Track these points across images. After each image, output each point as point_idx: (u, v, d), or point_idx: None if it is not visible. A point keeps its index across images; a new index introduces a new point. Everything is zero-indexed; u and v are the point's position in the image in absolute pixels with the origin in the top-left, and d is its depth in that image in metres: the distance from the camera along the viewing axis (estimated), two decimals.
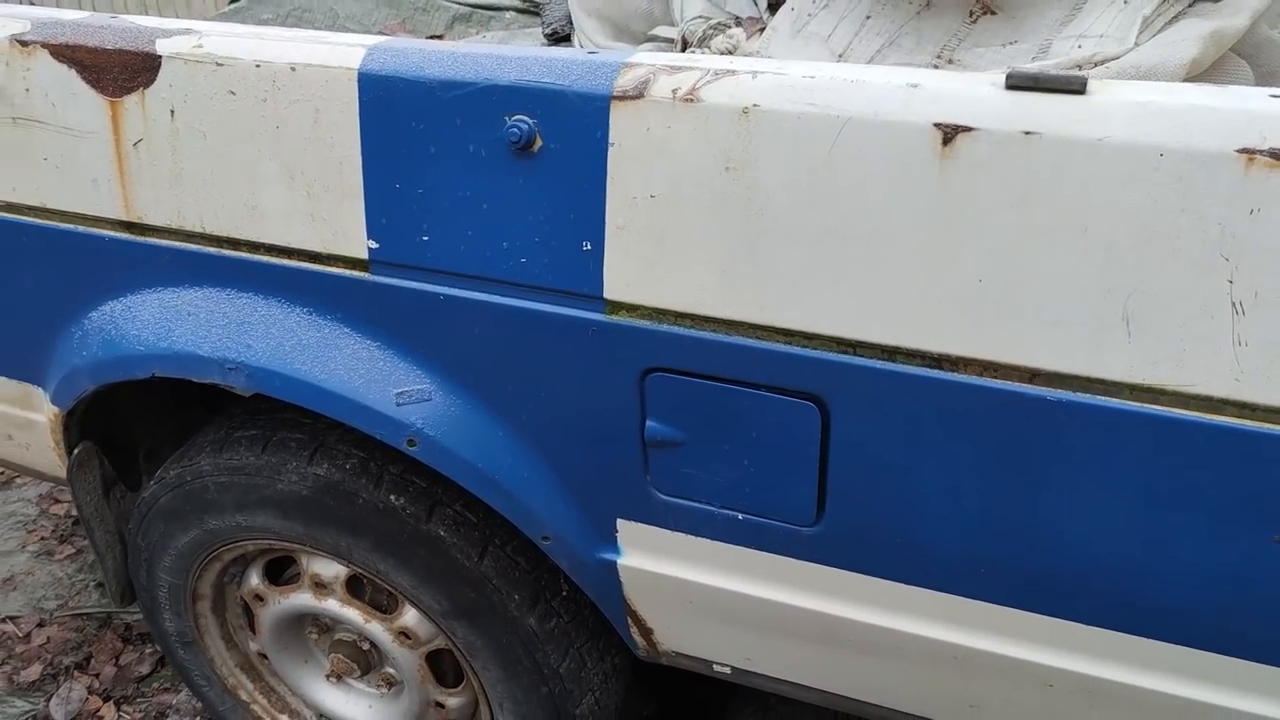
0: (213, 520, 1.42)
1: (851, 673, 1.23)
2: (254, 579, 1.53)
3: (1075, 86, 0.86)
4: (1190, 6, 1.28)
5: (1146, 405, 0.89)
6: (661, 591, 1.23)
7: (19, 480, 2.43)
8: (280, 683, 1.67)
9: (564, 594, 1.36)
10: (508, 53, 1.03)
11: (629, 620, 1.30)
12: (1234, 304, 0.84)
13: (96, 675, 1.96)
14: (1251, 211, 0.82)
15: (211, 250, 1.19)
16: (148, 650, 2.01)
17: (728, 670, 1.33)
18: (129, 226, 1.22)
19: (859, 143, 0.90)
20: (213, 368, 1.22)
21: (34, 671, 1.96)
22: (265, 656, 1.63)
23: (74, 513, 2.33)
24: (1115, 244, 0.86)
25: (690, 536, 1.16)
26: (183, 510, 1.43)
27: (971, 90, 0.88)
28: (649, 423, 1.09)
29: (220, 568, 1.52)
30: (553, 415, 1.13)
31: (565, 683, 1.38)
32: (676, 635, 1.30)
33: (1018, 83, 0.87)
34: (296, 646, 1.61)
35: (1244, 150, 0.81)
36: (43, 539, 2.26)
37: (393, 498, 1.30)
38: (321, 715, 1.66)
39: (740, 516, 1.12)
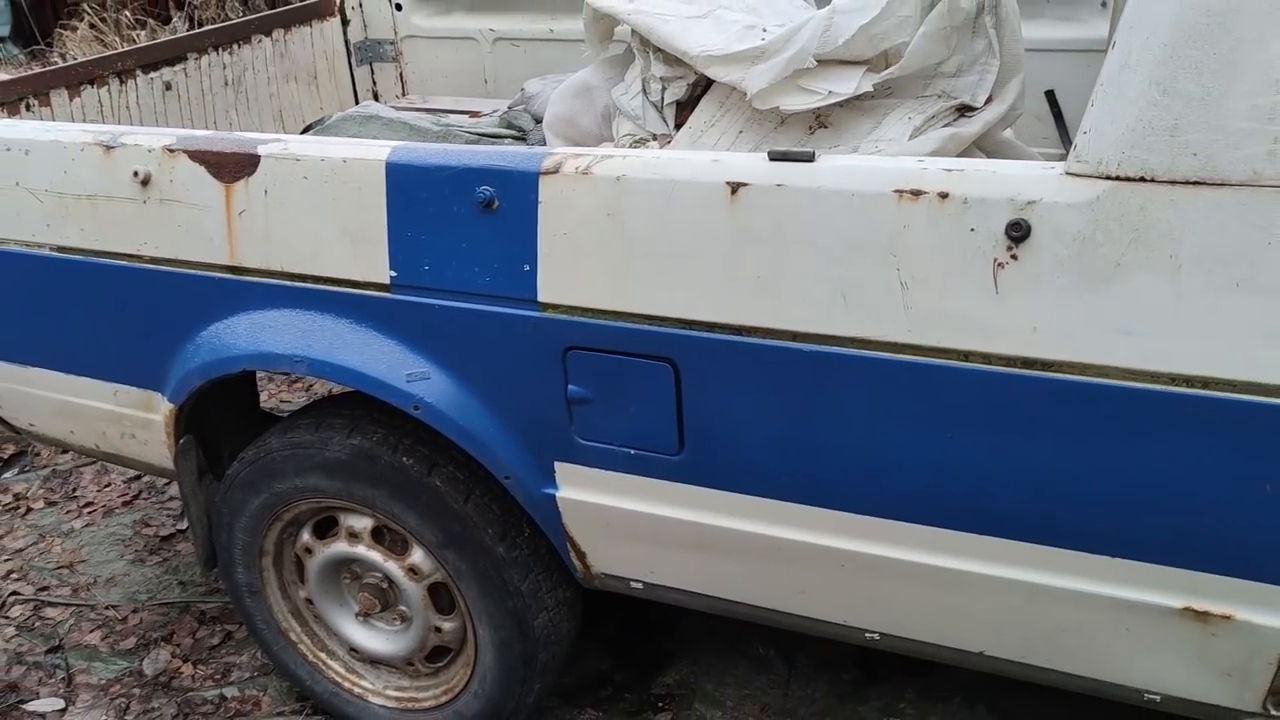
0: (278, 484, 1.98)
1: (718, 574, 1.75)
2: (305, 535, 2.08)
3: (807, 157, 1.44)
4: (954, 120, 1.88)
5: (859, 350, 1.44)
6: (588, 516, 1.77)
7: (118, 509, 3.01)
8: (321, 625, 2.20)
9: (525, 534, 1.89)
10: (478, 148, 1.63)
11: (568, 546, 1.83)
12: (901, 283, 1.40)
13: (178, 645, 2.49)
14: (904, 227, 1.38)
15: (286, 283, 1.79)
16: (217, 629, 2.54)
17: (640, 586, 1.85)
18: (232, 269, 1.82)
19: (684, 195, 1.48)
20: (285, 361, 1.80)
21: (130, 642, 2.51)
22: (311, 602, 2.16)
23: (160, 532, 2.90)
24: (832, 249, 1.42)
25: (603, 470, 1.70)
26: (256, 479, 2.00)
27: (749, 161, 1.47)
28: (570, 386, 1.64)
29: (281, 527, 2.07)
30: (508, 384, 1.70)
31: (525, 599, 1.90)
32: (602, 556, 1.83)
33: (775, 156, 1.46)
34: (334, 592, 2.15)
35: (896, 190, 1.38)
36: (136, 551, 2.83)
37: (404, 459, 1.86)
38: (351, 649, 2.18)
39: (632, 451, 1.66)
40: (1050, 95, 2.60)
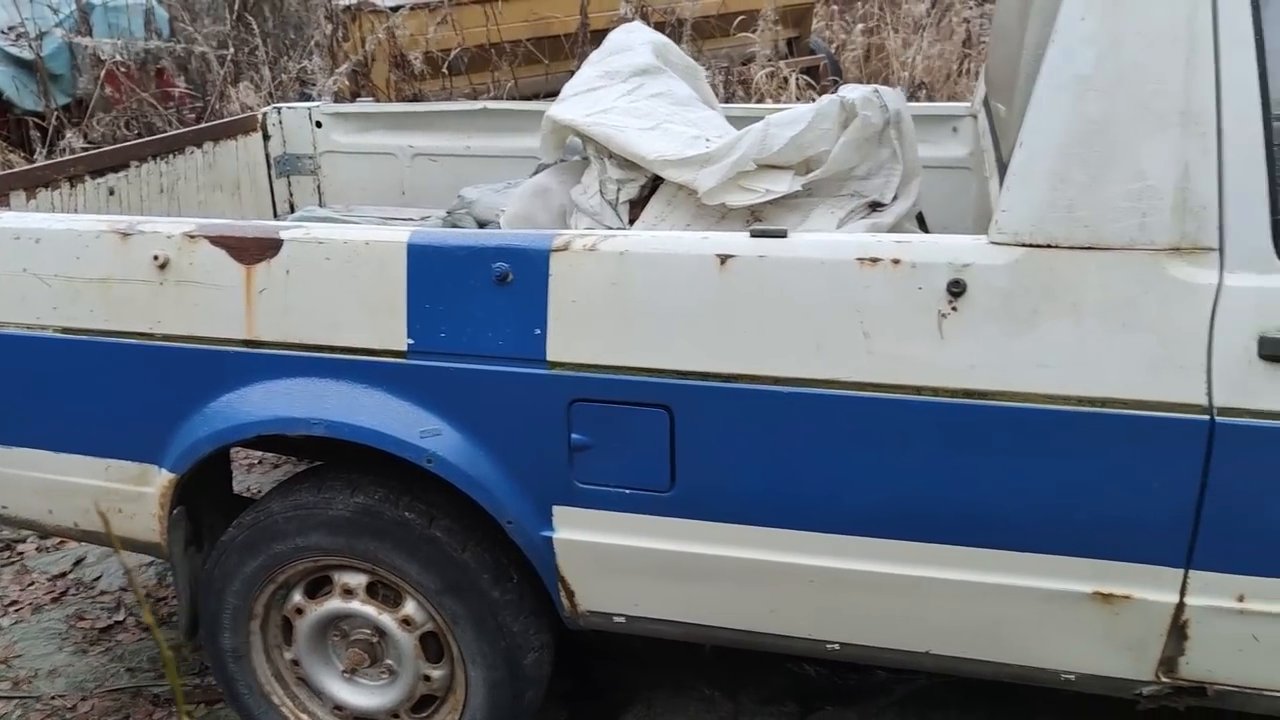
0: (278, 545, 2.12)
1: (698, 600, 2.00)
2: (297, 596, 2.21)
3: (781, 234, 1.77)
4: (866, 214, 2.25)
5: (831, 390, 1.75)
6: (581, 555, 1.99)
7: (47, 605, 3.01)
8: (303, 687, 2.31)
9: (516, 578, 2.10)
10: (492, 231, 1.90)
11: (559, 585, 2.05)
12: (864, 333, 1.73)
13: None
14: (865, 287, 1.71)
15: (302, 354, 1.98)
16: (172, 709, 2.59)
17: (623, 619, 2.07)
18: (248, 343, 2.01)
19: (680, 266, 1.78)
20: (301, 424, 1.99)
21: None
22: (297, 663, 2.28)
23: (97, 624, 2.92)
24: (807, 307, 1.74)
25: (597, 510, 1.94)
26: (254, 542, 2.14)
27: (734, 237, 1.78)
28: (573, 435, 1.89)
29: (273, 589, 2.20)
30: (515, 436, 1.93)
31: (517, 639, 2.10)
32: (590, 593, 2.05)
33: (756, 233, 1.78)
34: (320, 651, 2.27)
35: (858, 258, 1.72)
36: (75, 643, 2.84)
37: (406, 514, 2.05)
38: (337, 708, 2.30)
39: (626, 490, 1.91)
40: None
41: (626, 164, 2.35)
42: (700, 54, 5.69)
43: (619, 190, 2.36)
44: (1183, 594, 1.73)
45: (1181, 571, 1.72)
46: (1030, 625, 1.84)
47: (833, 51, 6.98)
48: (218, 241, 1.99)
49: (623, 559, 1.98)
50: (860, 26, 6.77)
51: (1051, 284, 1.66)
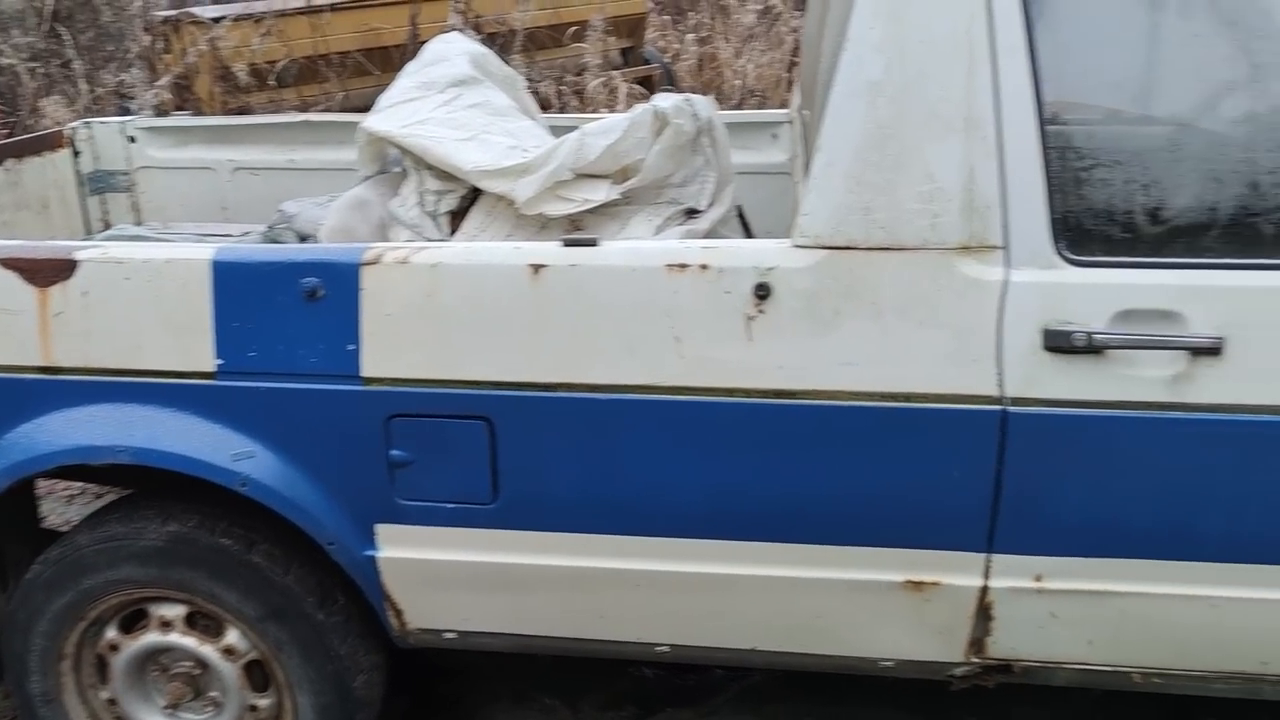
0: (87, 580, 2.03)
1: (527, 611, 1.99)
2: (110, 632, 2.11)
3: (592, 243, 1.79)
4: (684, 221, 2.29)
5: (646, 395, 1.77)
6: (406, 573, 1.97)
7: None
8: None
9: (342, 600, 2.05)
10: (300, 245, 1.86)
11: (386, 605, 2.01)
12: (675, 337, 1.76)
13: None
14: (675, 293, 1.74)
15: (105, 379, 1.90)
16: None
17: (453, 635, 2.05)
18: (45, 370, 1.91)
19: (493, 277, 1.78)
20: (105, 452, 1.90)
21: None
22: (114, 702, 2.18)
23: None
24: (619, 314, 1.76)
25: (421, 527, 1.92)
26: (61, 578, 2.04)
27: (546, 247, 1.79)
28: (392, 451, 1.86)
29: (84, 627, 2.10)
30: (332, 454, 1.89)
31: (345, 662, 2.05)
32: (418, 611, 2.02)
33: (568, 242, 1.79)
34: (139, 688, 2.18)
35: (668, 265, 1.74)
36: None
37: (223, 540, 1.98)
38: None
39: (449, 505, 1.89)
40: (738, 210, 3.12)
41: (445, 175, 2.33)
42: (533, 65, 5.69)
43: (438, 202, 2.34)
44: (986, 577, 1.81)
45: (984, 556, 1.80)
46: (847, 616, 1.90)
47: (667, 61, 7.07)
48: (8, 264, 1.89)
49: (449, 574, 1.96)
50: (691, 36, 6.87)
51: (852, 284, 1.71)
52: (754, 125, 3.13)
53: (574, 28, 6.14)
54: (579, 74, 6.20)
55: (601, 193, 2.23)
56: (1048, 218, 1.68)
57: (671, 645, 2.00)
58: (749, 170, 3.10)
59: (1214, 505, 1.70)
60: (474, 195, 2.38)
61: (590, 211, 2.26)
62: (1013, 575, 1.80)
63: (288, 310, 1.83)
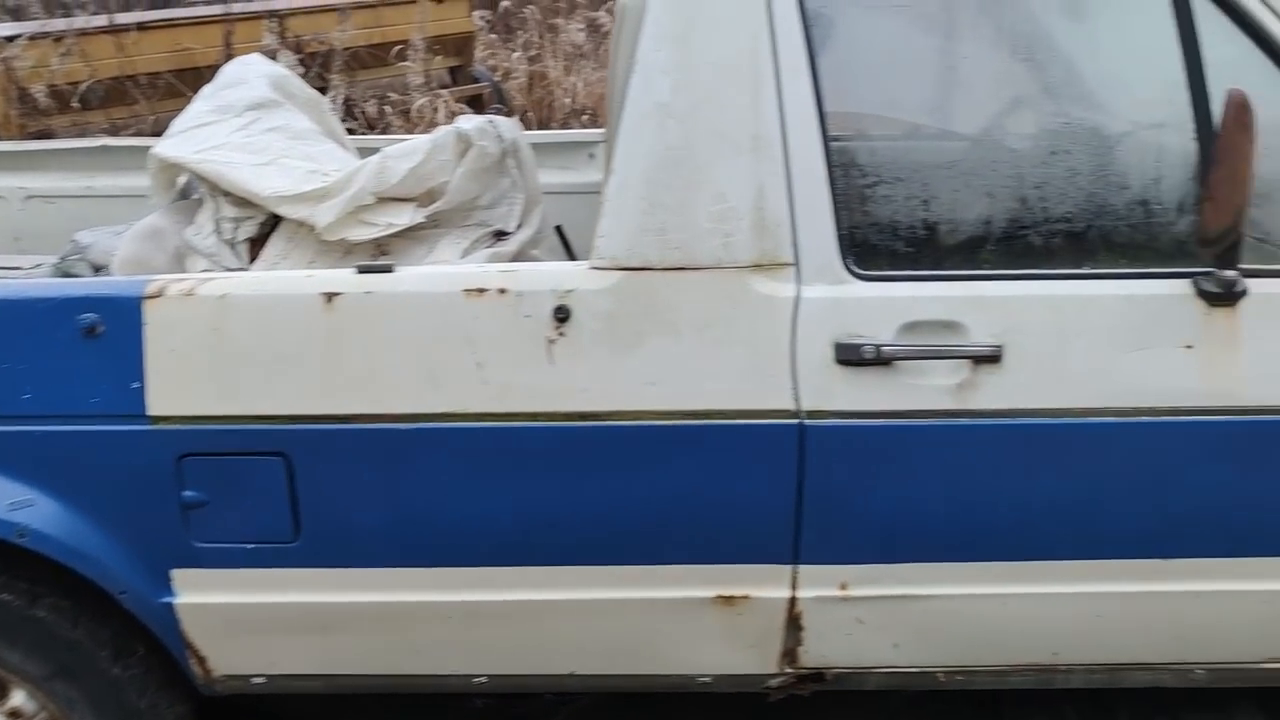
0: None
1: (338, 651, 1.93)
2: None
3: (388, 269, 1.75)
4: (493, 243, 2.27)
5: (450, 424, 1.74)
6: (207, 618, 1.88)
7: None
8: None
9: (140, 650, 1.95)
10: (75, 280, 1.76)
11: (188, 652, 1.92)
12: (477, 363, 1.73)
13: None
14: (474, 318, 1.72)
15: None
16: None
17: (262, 680, 1.97)
18: None
19: (285, 307, 1.72)
20: None
21: None
22: None
23: None
24: (418, 342, 1.72)
25: (221, 570, 1.84)
26: None
27: (339, 274, 1.74)
28: (184, 492, 1.78)
29: None
30: (119, 499, 1.79)
31: (145, 716, 1.95)
32: (223, 657, 1.93)
33: (362, 269, 1.75)
34: None
35: (465, 290, 1.72)
36: None
37: (3, 595, 1.86)
38: None
39: (249, 546, 1.82)
40: (559, 230, 3.12)
41: (242, 202, 2.25)
42: (355, 85, 5.58)
43: (236, 229, 2.26)
44: (794, 588, 1.84)
45: (791, 568, 1.83)
46: (662, 635, 1.91)
47: (497, 80, 7.04)
48: None
49: (254, 617, 1.88)
50: (517, 55, 6.86)
51: (651, 305, 1.72)
52: (571, 145, 3.13)
53: (399, 47, 6.04)
54: (406, 93, 6.11)
55: (406, 216, 2.19)
56: (835, 234, 1.72)
57: (489, 675, 1.97)
58: (568, 190, 3.10)
59: (1001, 506, 1.78)
60: (275, 222, 2.31)
61: (396, 236, 2.22)
62: (819, 585, 1.84)
63: (65, 349, 1.73)
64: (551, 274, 1.74)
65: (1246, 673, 1.95)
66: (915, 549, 1.81)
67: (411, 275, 1.75)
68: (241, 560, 1.83)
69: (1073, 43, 1.83)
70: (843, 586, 1.83)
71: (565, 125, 6.13)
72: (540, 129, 6.58)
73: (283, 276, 1.77)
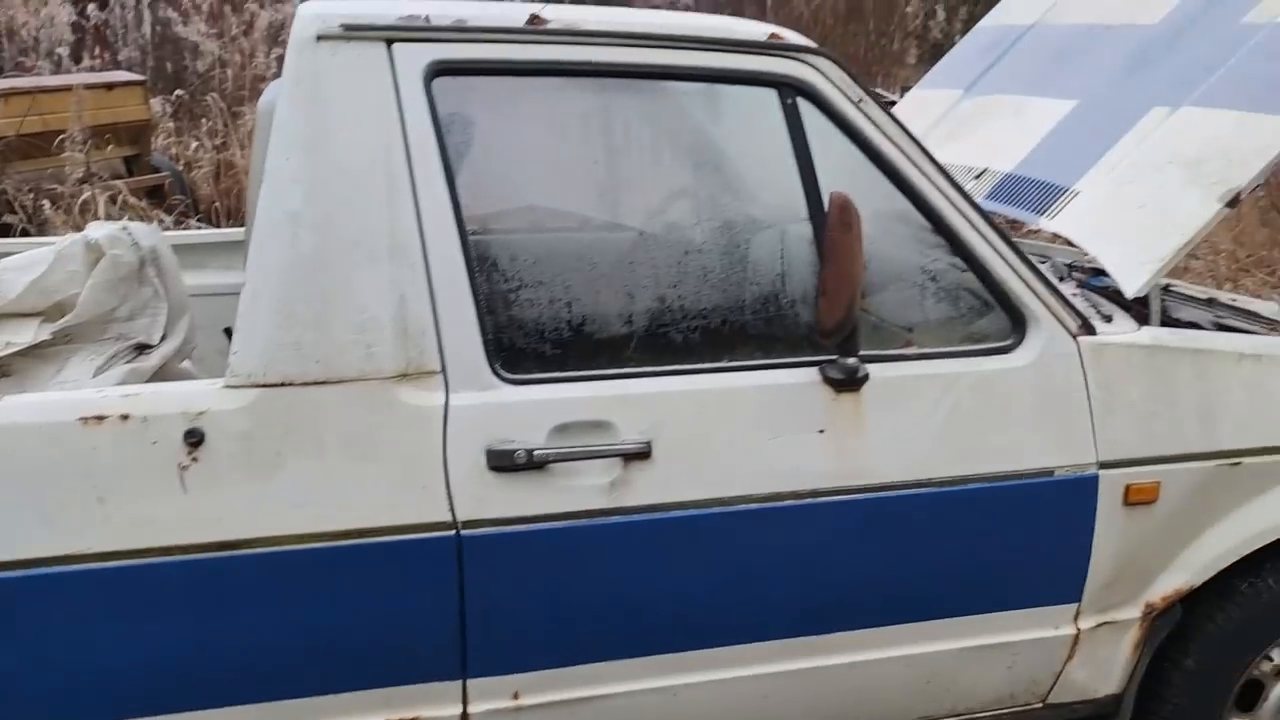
0: None
1: None
2: None
3: None
4: (135, 357, 2.11)
5: (68, 566, 1.58)
6: None
7: None
8: None
9: None
10: None
11: None
12: (98, 498, 1.58)
13: None
14: (93, 449, 1.57)
15: None
16: None
17: None
18: None
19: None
20: None
21: None
22: None
23: None
24: (28, 478, 1.56)
25: None
26: None
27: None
28: None
29: None
30: None
31: None
32: None
33: None
34: None
35: (81, 418, 1.57)
36: None
37: None
38: None
39: None
40: (228, 332, 2.95)
41: None
42: (10, 176, 5.15)
43: None
44: (465, 704, 1.78)
45: (460, 683, 1.76)
46: None
47: (179, 169, 6.69)
48: None
49: None
50: (197, 145, 6.55)
51: (291, 423, 1.64)
52: (237, 244, 2.99)
53: (61, 136, 5.63)
54: (80, 184, 5.69)
55: (29, 333, 2.01)
56: (481, 339, 1.70)
57: None
58: (234, 291, 2.95)
59: (662, 600, 1.79)
60: None
61: (20, 354, 2.03)
62: (491, 698, 1.78)
63: None
64: (181, 395, 1.63)
65: None
66: (584, 650, 1.79)
67: (18, 404, 1.59)
68: None
69: (702, 146, 1.91)
70: (515, 696, 1.79)
71: None
72: (228, 219, 6.30)
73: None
